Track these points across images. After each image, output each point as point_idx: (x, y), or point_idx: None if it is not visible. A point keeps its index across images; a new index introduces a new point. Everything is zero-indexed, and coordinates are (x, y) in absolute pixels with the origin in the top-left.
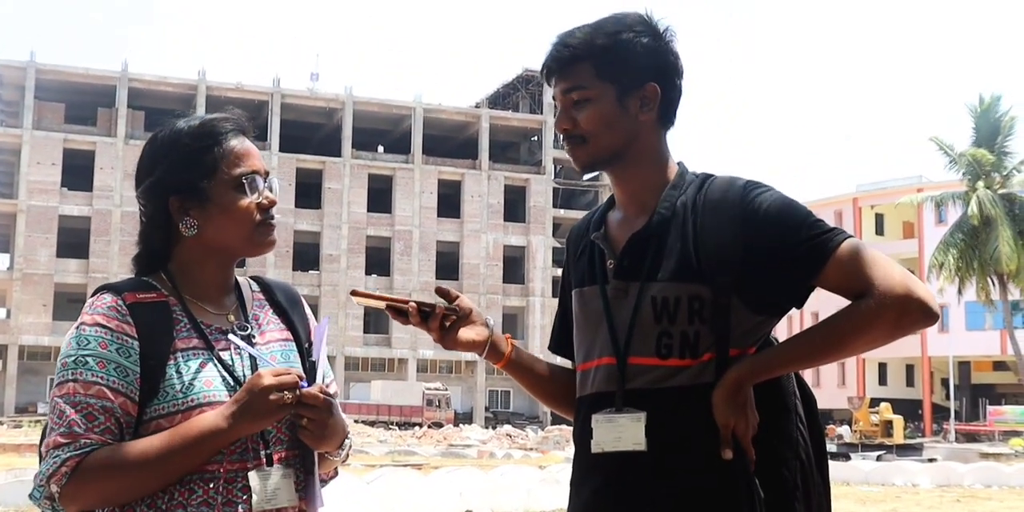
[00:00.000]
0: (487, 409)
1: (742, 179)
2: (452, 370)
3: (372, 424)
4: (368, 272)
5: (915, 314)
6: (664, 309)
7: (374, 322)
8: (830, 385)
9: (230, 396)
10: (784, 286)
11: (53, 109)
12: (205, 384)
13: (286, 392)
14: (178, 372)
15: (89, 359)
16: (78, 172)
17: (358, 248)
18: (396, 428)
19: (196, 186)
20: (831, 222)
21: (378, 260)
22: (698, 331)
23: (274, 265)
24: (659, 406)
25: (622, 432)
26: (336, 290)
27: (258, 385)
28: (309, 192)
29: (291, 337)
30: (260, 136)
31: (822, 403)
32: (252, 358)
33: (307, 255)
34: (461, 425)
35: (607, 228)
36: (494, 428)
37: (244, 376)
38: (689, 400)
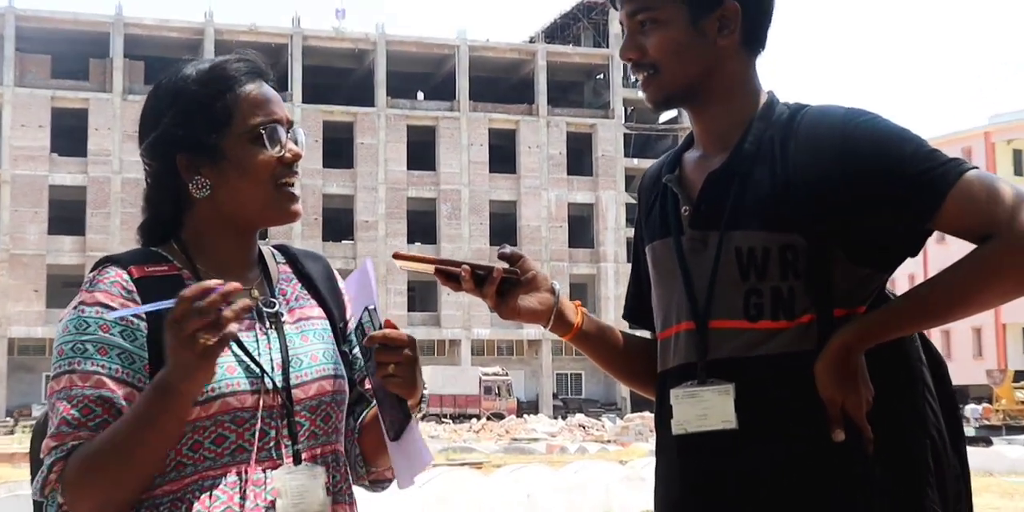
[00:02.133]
0: (555, 396)
1: (841, 108)
2: (513, 351)
3: (422, 418)
4: (411, 240)
5: None
6: (751, 262)
7: (420, 298)
8: (964, 356)
9: (255, 384)
10: (893, 232)
11: (38, 62)
12: (227, 370)
13: (203, 301)
14: None
15: (88, 345)
16: (69, 134)
17: (398, 213)
18: (450, 421)
19: (207, 140)
20: None
21: (422, 226)
22: (792, 287)
23: (301, 235)
24: (751, 377)
25: (708, 408)
26: (374, 262)
27: (169, 322)
28: (339, 149)
29: (324, 315)
30: (280, 85)
31: (955, 378)
32: (281, 340)
33: (339, 222)
34: (526, 416)
35: (682, 169)
36: (564, 418)
37: (271, 361)
38: (786, 370)
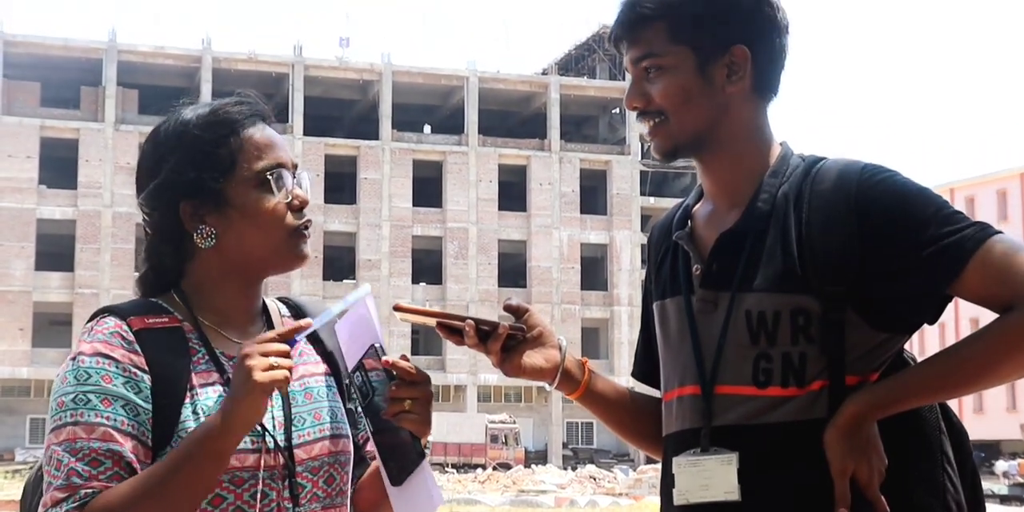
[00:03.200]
0: (565, 446)
1: (858, 163)
2: (521, 398)
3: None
4: (416, 280)
5: None
6: (761, 325)
7: (424, 341)
8: (997, 409)
9: (255, 443)
10: (912, 297)
11: (27, 89)
12: None
13: (273, 357)
14: (195, 412)
15: (91, 396)
16: (59, 165)
17: (402, 251)
18: (454, 471)
19: (211, 187)
20: (992, 205)
21: (427, 265)
22: (804, 353)
23: (300, 274)
24: (755, 446)
25: (709, 478)
26: (377, 303)
27: (240, 357)
28: (341, 184)
29: (328, 371)
30: (280, 117)
31: (988, 432)
32: (283, 398)
33: (341, 261)
34: (534, 466)
35: (693, 225)
36: (574, 469)
37: (273, 419)
38: (794, 439)
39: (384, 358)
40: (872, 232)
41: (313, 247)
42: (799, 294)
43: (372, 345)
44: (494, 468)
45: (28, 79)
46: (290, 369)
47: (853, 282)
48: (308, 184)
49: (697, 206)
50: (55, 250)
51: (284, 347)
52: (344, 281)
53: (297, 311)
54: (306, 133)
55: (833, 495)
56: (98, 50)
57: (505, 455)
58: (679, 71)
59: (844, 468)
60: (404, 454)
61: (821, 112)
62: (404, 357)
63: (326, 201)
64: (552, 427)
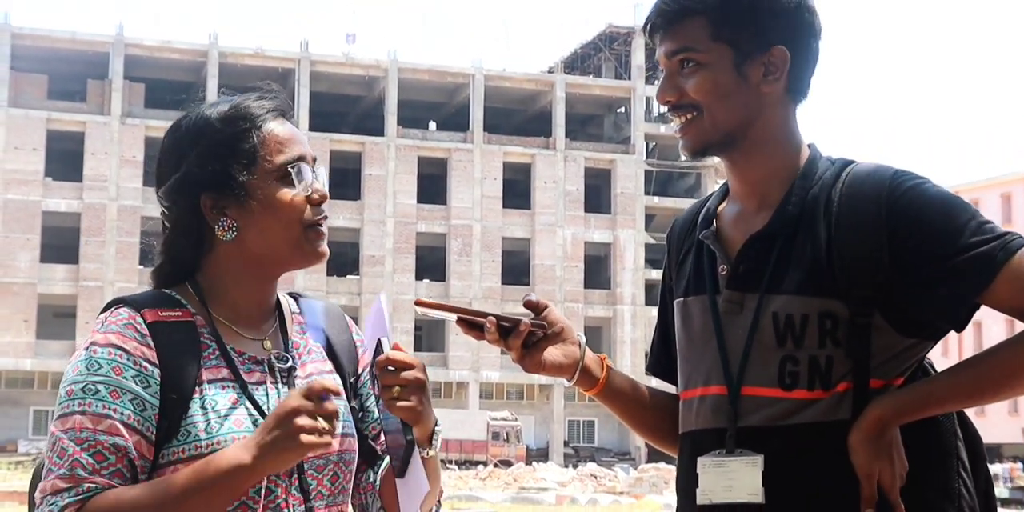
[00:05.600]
0: (566, 444)
1: (890, 168)
2: (523, 396)
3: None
4: (419, 277)
5: None
6: (788, 328)
7: (427, 337)
8: (998, 413)
9: None
10: (940, 304)
11: (33, 82)
12: (235, 424)
13: (321, 420)
14: (203, 408)
15: (100, 387)
16: (65, 158)
17: (406, 248)
18: (455, 468)
19: (233, 180)
20: (996, 208)
21: (431, 262)
22: (831, 356)
23: (304, 270)
24: (780, 448)
25: (734, 479)
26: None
27: (285, 407)
28: (346, 180)
29: (334, 369)
30: None
31: (989, 436)
32: None
33: (344, 257)
34: (535, 463)
35: (720, 225)
36: (575, 467)
37: None
38: (818, 441)
39: (384, 353)
40: (902, 239)
41: None
42: (827, 298)
43: (379, 340)
44: (495, 465)
45: (35, 72)
46: (332, 433)
47: (881, 287)
48: (325, 178)
49: (722, 206)
50: (60, 243)
51: (335, 408)
52: (348, 277)
53: (306, 309)
54: (311, 129)
55: (854, 498)
56: (105, 43)
57: (506, 452)
58: (716, 68)
59: (870, 471)
60: (399, 440)
61: (827, 114)
62: (396, 346)
63: (331, 197)
64: (554, 425)
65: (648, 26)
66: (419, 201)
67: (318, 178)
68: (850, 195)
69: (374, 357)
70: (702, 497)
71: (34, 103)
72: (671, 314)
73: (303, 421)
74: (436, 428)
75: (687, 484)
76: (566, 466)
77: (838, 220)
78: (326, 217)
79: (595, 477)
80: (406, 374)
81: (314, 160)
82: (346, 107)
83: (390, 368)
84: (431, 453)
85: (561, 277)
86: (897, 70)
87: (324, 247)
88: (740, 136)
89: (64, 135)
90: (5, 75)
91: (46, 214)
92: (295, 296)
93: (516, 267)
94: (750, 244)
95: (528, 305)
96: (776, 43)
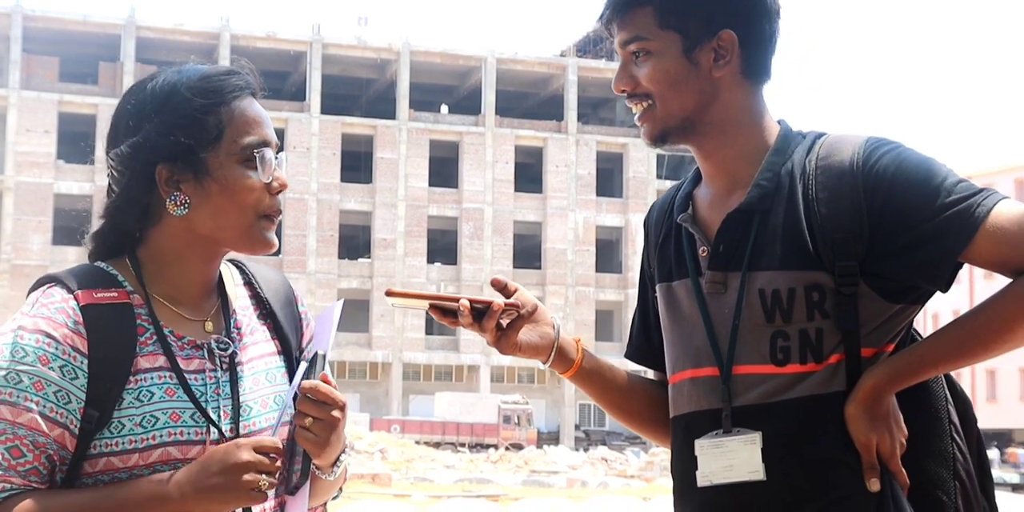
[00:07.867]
0: (577, 427)
1: (860, 137)
2: (534, 379)
3: (437, 446)
4: (431, 260)
5: None
6: (776, 303)
7: (438, 322)
8: (1010, 398)
9: (200, 434)
10: (923, 266)
11: (45, 64)
12: (171, 418)
13: (264, 476)
14: (138, 400)
15: (23, 376)
16: (76, 141)
17: (418, 231)
18: (466, 451)
19: (194, 154)
20: (1010, 194)
21: (442, 245)
22: (820, 328)
23: (316, 252)
24: (778, 424)
25: (733, 459)
26: (391, 282)
27: (235, 458)
28: (358, 163)
29: (277, 349)
30: (297, 95)
31: (1001, 421)
32: (232, 386)
33: (356, 240)
34: (546, 447)
35: (696, 207)
36: (586, 450)
37: (220, 408)
38: (815, 414)
39: (323, 372)
40: (880, 204)
41: (329, 225)
42: (811, 270)
43: (316, 353)
44: (507, 448)
45: (47, 54)
46: (273, 486)
47: (863, 254)
48: (286, 166)
49: (697, 189)
50: (72, 225)
51: (278, 466)
52: (359, 260)
53: (250, 281)
54: (323, 112)
55: (855, 468)
56: (117, 26)
57: (517, 436)
58: (665, 55)
59: (869, 441)
60: (296, 464)
61: (839, 100)
62: (325, 377)
63: (342, 180)
64: (565, 408)
65: (603, 18)
66: (431, 184)
67: (280, 166)
68: (824, 166)
69: (306, 371)
70: (702, 479)
71: (46, 85)
72: (652, 300)
73: (251, 477)
74: (342, 456)
75: (684, 467)
76: (577, 449)
77: (815, 191)
78: (280, 212)
79: (606, 460)
80: (324, 410)
81: (279, 147)
82: (358, 90)
83: (310, 396)
84: (329, 478)
85: (572, 261)
86: (912, 56)
87: (273, 238)
88: (698, 121)
89: (76, 117)
90: (17, 57)
91: (58, 196)
92: (238, 265)
93: (528, 251)
94: (728, 223)
95: (496, 284)
96: (723, 27)
